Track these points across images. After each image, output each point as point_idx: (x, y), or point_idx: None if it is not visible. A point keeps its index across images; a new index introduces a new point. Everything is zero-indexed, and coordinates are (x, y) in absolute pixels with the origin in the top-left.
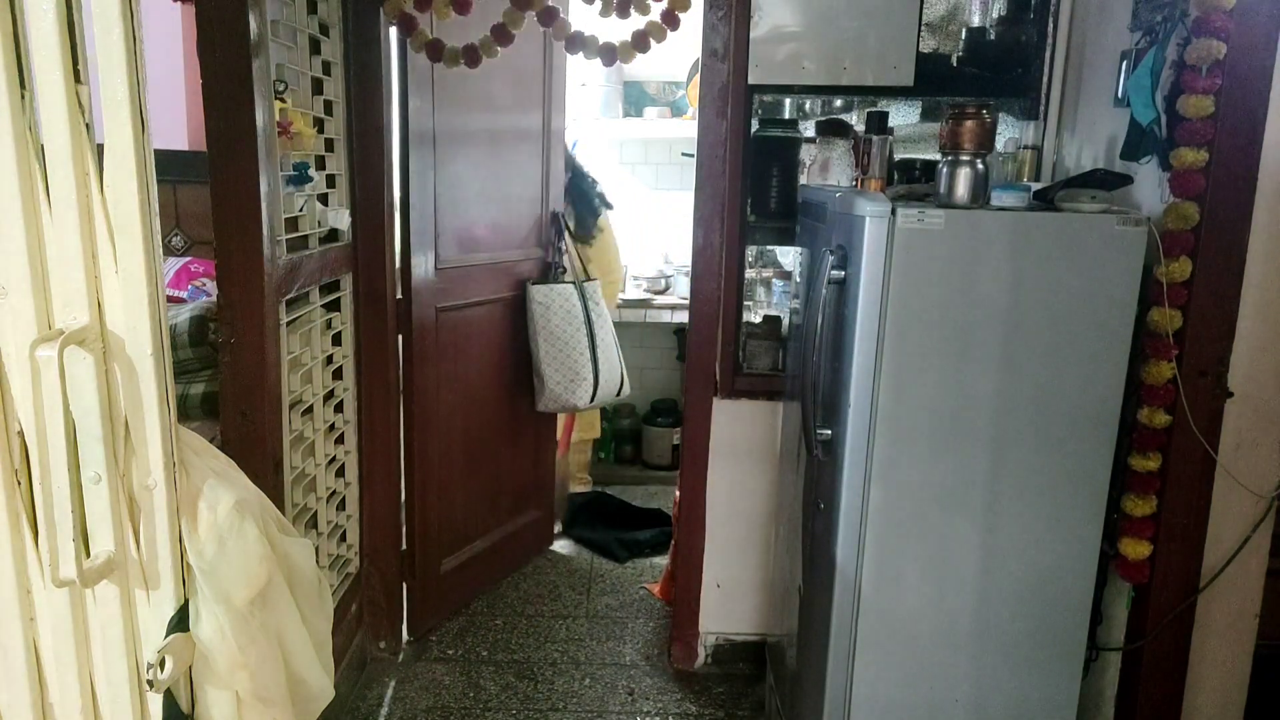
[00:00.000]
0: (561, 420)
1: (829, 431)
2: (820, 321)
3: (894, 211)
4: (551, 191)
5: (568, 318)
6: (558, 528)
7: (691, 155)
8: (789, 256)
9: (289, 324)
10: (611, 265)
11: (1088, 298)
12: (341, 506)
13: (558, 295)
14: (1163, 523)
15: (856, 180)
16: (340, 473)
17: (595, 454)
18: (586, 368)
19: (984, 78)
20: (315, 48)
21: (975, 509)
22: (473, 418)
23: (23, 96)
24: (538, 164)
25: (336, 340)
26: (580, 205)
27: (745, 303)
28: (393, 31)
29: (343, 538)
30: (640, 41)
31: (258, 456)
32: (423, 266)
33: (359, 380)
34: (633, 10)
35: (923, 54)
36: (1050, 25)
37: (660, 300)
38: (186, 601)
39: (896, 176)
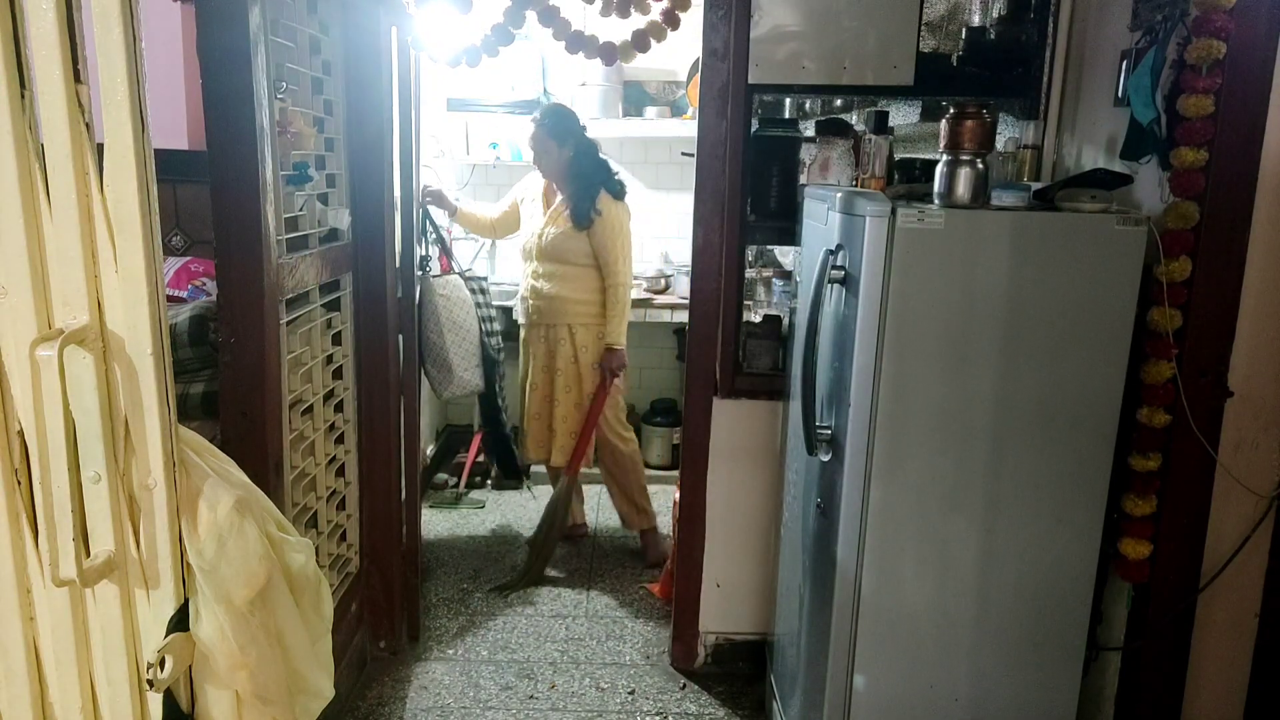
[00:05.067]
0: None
1: (829, 431)
2: (820, 321)
3: (894, 211)
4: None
5: (465, 306)
6: None
7: (691, 155)
8: (789, 256)
9: (289, 324)
10: (611, 260)
11: (1087, 297)
12: (341, 506)
13: (454, 287)
14: (1163, 523)
15: (856, 180)
16: (340, 472)
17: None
18: (479, 349)
19: (984, 77)
20: (315, 48)
21: (975, 508)
22: None
23: (23, 96)
24: None
25: (336, 340)
26: (578, 185)
27: (745, 302)
28: (393, 31)
29: (343, 537)
30: (640, 41)
31: (258, 456)
32: None
33: (359, 380)
34: (633, 10)
35: (923, 54)
36: (1050, 25)
37: (660, 300)
38: (186, 601)
39: (896, 176)
